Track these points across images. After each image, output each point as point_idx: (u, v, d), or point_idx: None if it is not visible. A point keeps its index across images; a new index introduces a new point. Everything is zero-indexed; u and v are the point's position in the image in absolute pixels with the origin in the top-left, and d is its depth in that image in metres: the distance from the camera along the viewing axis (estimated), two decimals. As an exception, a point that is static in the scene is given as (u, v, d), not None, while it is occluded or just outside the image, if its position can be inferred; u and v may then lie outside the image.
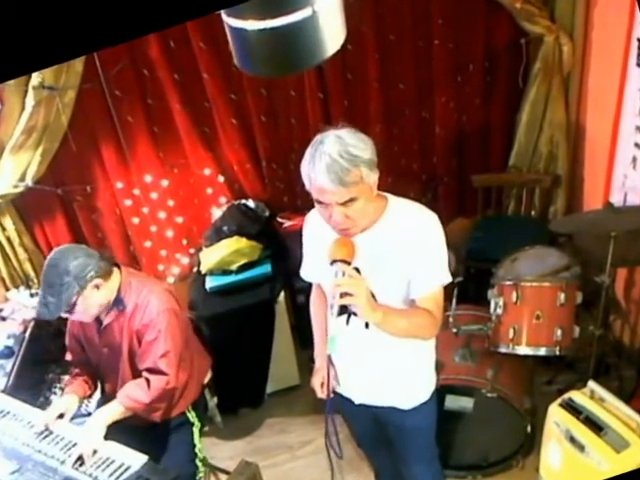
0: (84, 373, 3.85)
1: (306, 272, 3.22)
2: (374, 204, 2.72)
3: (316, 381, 3.24)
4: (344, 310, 2.65)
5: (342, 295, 2.48)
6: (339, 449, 2.92)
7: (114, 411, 3.45)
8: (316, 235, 2.95)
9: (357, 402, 3.20)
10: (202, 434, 3.91)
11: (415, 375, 3.13)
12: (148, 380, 3.47)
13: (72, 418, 3.70)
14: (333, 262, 2.56)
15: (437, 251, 2.81)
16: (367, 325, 2.82)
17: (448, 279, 2.87)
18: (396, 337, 2.81)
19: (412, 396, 3.15)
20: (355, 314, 2.63)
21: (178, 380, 3.53)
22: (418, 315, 2.79)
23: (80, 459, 3.26)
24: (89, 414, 3.94)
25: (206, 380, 4.01)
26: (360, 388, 3.16)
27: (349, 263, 2.56)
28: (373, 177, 2.58)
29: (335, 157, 2.44)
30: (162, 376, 3.46)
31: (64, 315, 3.39)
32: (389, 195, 2.85)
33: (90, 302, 3.38)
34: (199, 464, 3.79)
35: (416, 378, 3.14)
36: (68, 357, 3.88)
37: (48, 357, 3.99)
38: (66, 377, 4.10)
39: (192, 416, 3.80)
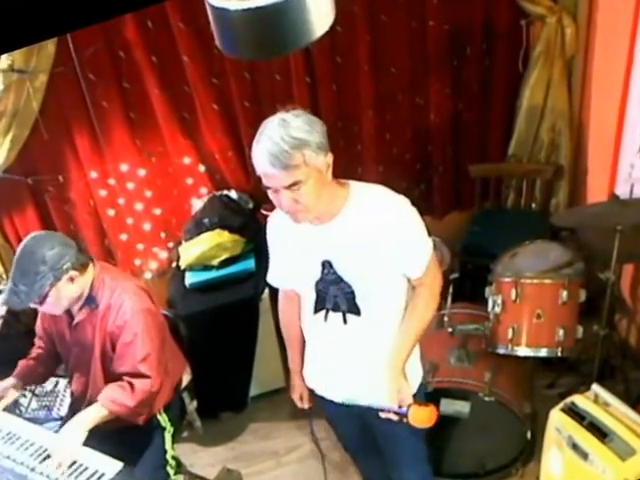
0: (43, 361, 3.88)
1: (274, 278, 3.32)
2: (334, 190, 2.82)
3: (295, 396, 3.47)
4: (322, 306, 2.97)
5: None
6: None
7: (97, 415, 3.42)
8: (281, 238, 3.11)
9: (339, 401, 3.22)
10: (176, 439, 3.89)
11: None
12: (131, 384, 3.45)
13: (43, 422, 3.70)
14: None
15: (412, 227, 2.89)
16: (345, 321, 2.97)
17: (432, 246, 2.99)
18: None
19: None
20: (338, 310, 2.93)
21: (158, 382, 3.52)
22: (417, 307, 3.01)
23: (51, 465, 3.25)
24: (61, 418, 3.93)
25: (184, 383, 4.00)
26: (342, 387, 3.18)
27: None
28: (320, 160, 2.64)
29: (276, 140, 2.54)
30: (145, 379, 3.45)
31: (33, 306, 3.38)
32: (351, 181, 2.93)
33: (62, 295, 3.37)
34: (170, 471, 3.77)
35: None
36: (36, 341, 3.90)
37: (17, 357, 3.96)
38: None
39: (164, 420, 3.77)
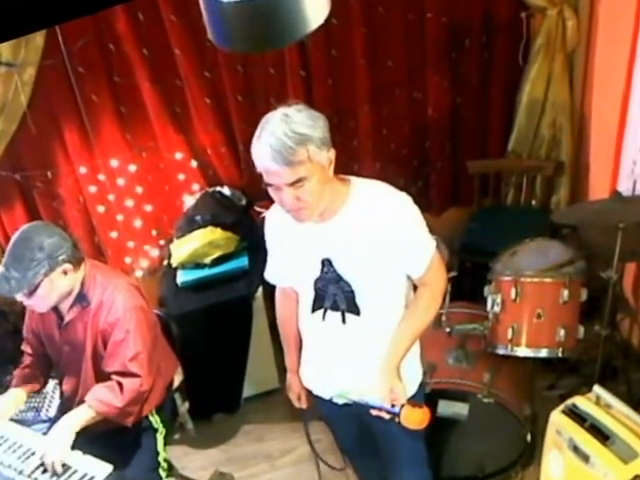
0: (37, 366, 3.87)
1: (272, 275, 3.30)
2: (335, 187, 2.81)
3: (293, 396, 3.46)
4: (320, 305, 2.97)
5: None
6: None
7: (84, 416, 3.41)
8: (279, 235, 3.09)
9: (330, 395, 3.21)
10: (167, 441, 3.88)
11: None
12: (120, 383, 3.44)
13: (31, 424, 3.70)
14: None
15: (413, 225, 2.88)
16: (344, 320, 2.96)
17: (435, 244, 2.98)
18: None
19: None
20: (336, 309, 2.92)
21: (149, 382, 3.51)
22: (417, 307, 3.02)
23: (40, 468, 3.24)
24: (49, 420, 3.93)
25: (176, 383, 4.00)
26: (340, 386, 3.17)
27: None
28: (324, 155, 2.63)
29: (279, 136, 2.50)
30: (135, 378, 3.44)
31: (22, 298, 3.36)
32: (352, 178, 2.92)
33: (53, 287, 3.36)
34: (162, 474, 3.77)
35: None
36: (24, 347, 3.88)
37: (5, 357, 3.97)
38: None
39: (156, 421, 3.77)
